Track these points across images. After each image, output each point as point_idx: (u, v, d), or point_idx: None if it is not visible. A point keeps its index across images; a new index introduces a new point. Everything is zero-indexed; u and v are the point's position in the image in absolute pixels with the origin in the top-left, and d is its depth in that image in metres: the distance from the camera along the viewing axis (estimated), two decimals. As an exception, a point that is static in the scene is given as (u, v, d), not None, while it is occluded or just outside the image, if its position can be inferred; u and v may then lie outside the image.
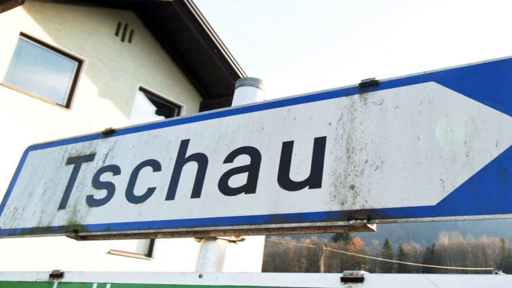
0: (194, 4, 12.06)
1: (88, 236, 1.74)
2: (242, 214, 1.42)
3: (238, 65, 12.93)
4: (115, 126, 2.04)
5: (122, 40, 12.32)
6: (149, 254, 11.95)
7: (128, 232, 1.63)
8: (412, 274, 1.02)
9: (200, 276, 1.30)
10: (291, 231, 1.36)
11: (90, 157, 1.95)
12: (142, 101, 12.84)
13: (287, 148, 1.46)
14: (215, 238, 1.51)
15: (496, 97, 1.18)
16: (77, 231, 1.75)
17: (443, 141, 1.20)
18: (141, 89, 12.62)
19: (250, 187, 1.45)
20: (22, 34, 10.15)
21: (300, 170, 1.39)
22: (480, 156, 1.13)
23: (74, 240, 1.80)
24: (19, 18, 10.04)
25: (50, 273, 1.62)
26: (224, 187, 1.50)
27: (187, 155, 1.67)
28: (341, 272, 1.08)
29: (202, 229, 1.49)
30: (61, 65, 11.06)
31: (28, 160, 2.20)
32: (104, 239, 1.75)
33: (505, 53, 1.28)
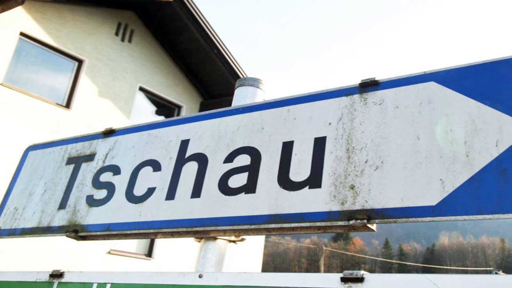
0: (194, 4, 12.05)
1: (88, 236, 1.74)
2: (242, 214, 1.42)
3: (238, 65, 12.93)
4: (115, 126, 2.04)
5: (122, 40, 12.32)
6: (149, 254, 11.95)
7: (128, 232, 1.63)
8: (412, 274, 1.02)
9: (200, 276, 1.30)
10: (291, 231, 1.36)
11: (90, 157, 1.95)
12: (142, 101, 12.84)
13: (287, 148, 1.46)
14: (215, 238, 1.51)
15: (496, 97, 1.18)
16: (77, 231, 1.75)
17: (443, 141, 1.20)
18: (141, 89, 12.62)
19: (250, 187, 1.45)
20: (22, 34, 10.15)
21: (300, 170, 1.39)
22: (480, 156, 1.13)
23: (74, 240, 1.80)
24: (19, 18, 10.04)
25: (50, 273, 1.62)
26: (224, 187, 1.50)
27: (187, 155, 1.67)
28: (341, 272, 1.08)
29: (202, 229, 1.49)
30: (61, 65, 11.06)
31: (28, 160, 2.20)
32: (104, 239, 1.75)
33: (505, 53, 1.28)
